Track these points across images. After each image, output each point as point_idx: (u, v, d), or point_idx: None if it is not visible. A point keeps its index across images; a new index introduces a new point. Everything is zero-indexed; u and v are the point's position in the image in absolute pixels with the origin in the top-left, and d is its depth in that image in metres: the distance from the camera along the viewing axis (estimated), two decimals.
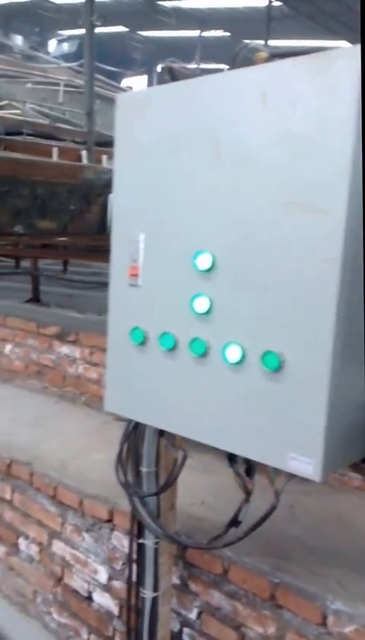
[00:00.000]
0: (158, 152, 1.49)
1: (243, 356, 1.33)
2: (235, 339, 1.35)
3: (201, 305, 1.42)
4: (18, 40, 27.58)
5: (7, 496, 2.82)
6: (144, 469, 1.85)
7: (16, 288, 8.46)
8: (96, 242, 12.37)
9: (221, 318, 1.39)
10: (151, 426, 1.71)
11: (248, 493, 1.55)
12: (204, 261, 1.40)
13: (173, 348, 1.49)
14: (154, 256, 1.54)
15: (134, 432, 1.83)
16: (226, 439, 1.42)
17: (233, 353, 1.35)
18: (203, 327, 1.42)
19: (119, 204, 1.64)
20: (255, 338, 1.31)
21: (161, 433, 1.77)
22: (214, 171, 1.37)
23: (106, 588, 2.38)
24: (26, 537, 2.74)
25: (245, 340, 1.33)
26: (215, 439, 1.45)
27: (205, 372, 1.43)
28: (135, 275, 1.59)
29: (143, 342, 1.57)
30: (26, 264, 10.03)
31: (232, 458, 1.52)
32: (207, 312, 1.41)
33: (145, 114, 1.51)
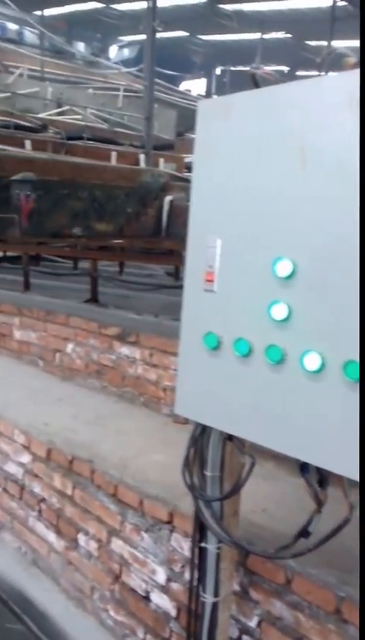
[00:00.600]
0: (240, 157, 1.50)
1: (323, 365, 1.32)
2: (314, 347, 1.33)
3: (279, 312, 1.41)
4: (80, 47, 28.22)
5: (69, 492, 2.88)
6: (208, 473, 1.86)
7: (73, 288, 8.64)
8: (151, 244, 12.51)
9: (300, 326, 1.38)
10: (221, 430, 1.71)
11: (319, 504, 1.53)
12: (284, 268, 1.39)
13: (248, 354, 1.49)
14: (231, 262, 1.54)
15: (201, 436, 1.84)
16: (301, 448, 1.41)
17: (312, 362, 1.34)
18: (280, 334, 1.41)
19: (197, 209, 1.64)
20: (336, 347, 1.30)
21: (229, 438, 1.77)
22: (298, 176, 1.36)
23: (164, 589, 2.39)
24: (86, 533, 2.79)
25: (325, 349, 1.32)
26: (289, 447, 1.44)
27: (281, 380, 1.42)
28: (211, 281, 1.59)
29: (216, 347, 1.58)
30: (83, 265, 10.24)
31: (304, 467, 1.51)
32: (286, 319, 1.40)
33: (227, 120, 1.52)
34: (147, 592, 2.47)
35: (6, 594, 3.26)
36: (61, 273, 10.18)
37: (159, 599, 2.42)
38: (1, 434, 3.41)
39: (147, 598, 2.47)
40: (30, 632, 2.95)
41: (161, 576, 2.40)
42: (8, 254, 11.63)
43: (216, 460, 1.85)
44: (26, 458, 3.20)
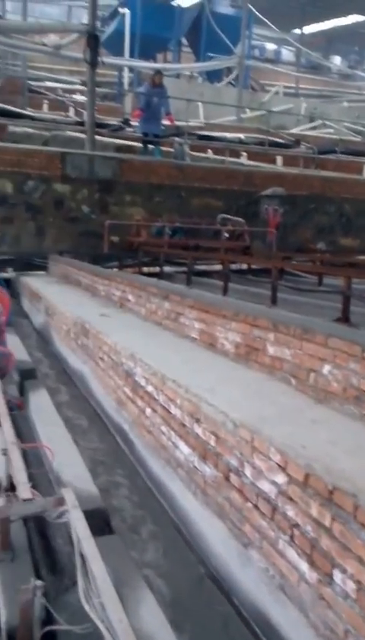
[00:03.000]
0: None
1: None
2: None
3: None
4: (336, 61, 27.95)
5: (326, 523, 2.74)
6: None
7: (317, 305, 8.47)
8: None
9: None
10: None
11: None
12: None
13: None
14: None
15: None
16: None
17: None
18: None
19: None
20: None
21: None
22: None
23: None
24: (343, 571, 2.62)
25: None
26: None
27: None
28: None
29: None
30: (327, 281, 10.00)
31: None
32: None
33: None
34: None
35: (248, 613, 3.25)
36: (305, 288, 10.08)
37: None
38: (255, 449, 3.41)
39: None
40: None
41: None
42: (251, 266, 11.94)
43: None
44: (281, 479, 3.15)
